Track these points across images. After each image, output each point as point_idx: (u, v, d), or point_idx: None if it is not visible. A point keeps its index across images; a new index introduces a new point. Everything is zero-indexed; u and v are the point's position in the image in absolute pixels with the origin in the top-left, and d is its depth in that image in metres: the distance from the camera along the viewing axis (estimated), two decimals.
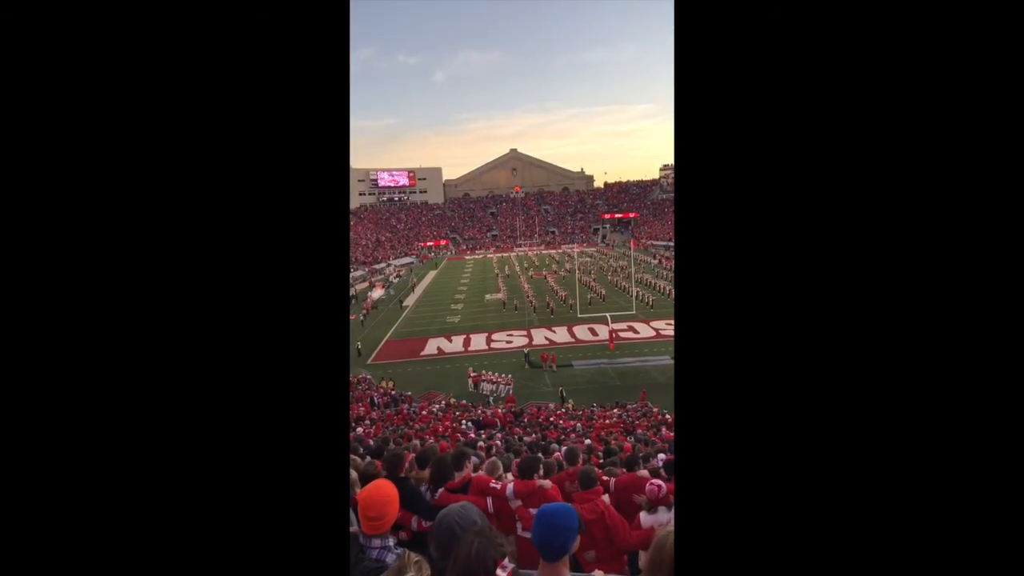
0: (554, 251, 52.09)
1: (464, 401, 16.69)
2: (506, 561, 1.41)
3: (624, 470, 3.76)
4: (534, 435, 10.35)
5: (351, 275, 40.82)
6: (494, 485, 2.85)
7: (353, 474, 2.95)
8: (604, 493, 3.11)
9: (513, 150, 73.94)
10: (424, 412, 14.64)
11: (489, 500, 2.80)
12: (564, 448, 4.96)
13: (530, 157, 73.18)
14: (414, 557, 1.22)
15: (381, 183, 66.83)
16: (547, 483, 2.87)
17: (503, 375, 18.76)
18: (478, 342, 24.18)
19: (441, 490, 2.93)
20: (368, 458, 5.06)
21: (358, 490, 2.92)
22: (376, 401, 16.60)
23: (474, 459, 5.34)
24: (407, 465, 3.13)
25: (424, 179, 69.35)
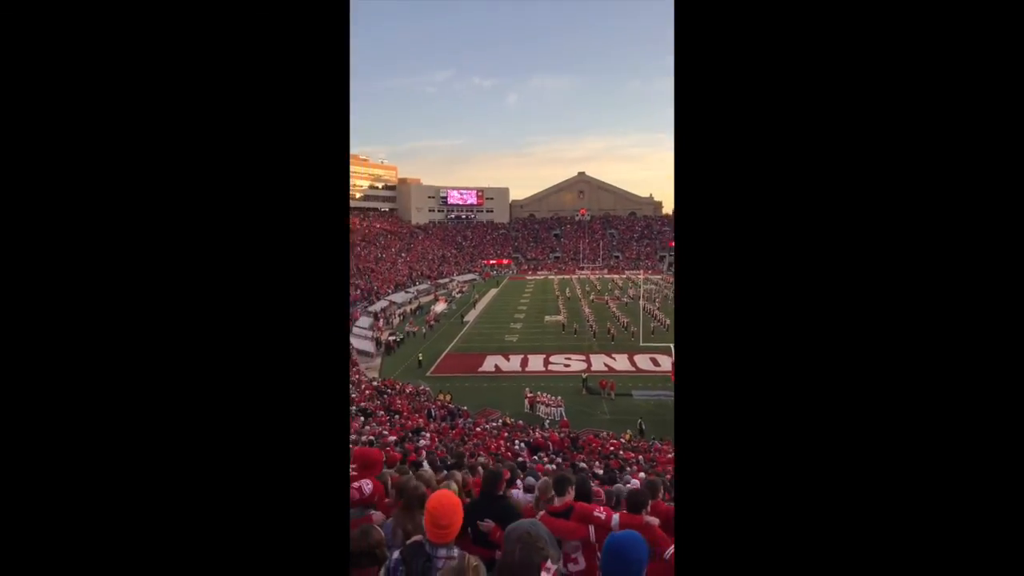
0: (617, 276, 51.31)
1: (520, 421, 16.59)
2: (549, 563, 1.41)
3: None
4: (596, 463, 10.10)
5: (416, 288, 42.09)
6: (598, 515, 2.78)
7: (413, 483, 2.97)
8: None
9: (581, 173, 74.10)
10: (479, 429, 14.68)
11: (592, 529, 2.73)
12: (646, 479, 4.81)
13: (598, 181, 73.01)
14: (473, 561, 1.22)
15: (450, 201, 68.91)
16: (654, 520, 2.77)
17: (554, 397, 18.53)
18: (536, 363, 24.06)
19: (542, 513, 2.91)
20: (444, 471, 5.05)
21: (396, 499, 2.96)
22: (433, 413, 16.85)
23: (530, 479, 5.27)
24: (502, 484, 3.13)
25: (491, 198, 70.81)
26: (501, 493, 3.10)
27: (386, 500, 3.24)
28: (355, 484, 3.20)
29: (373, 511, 2.98)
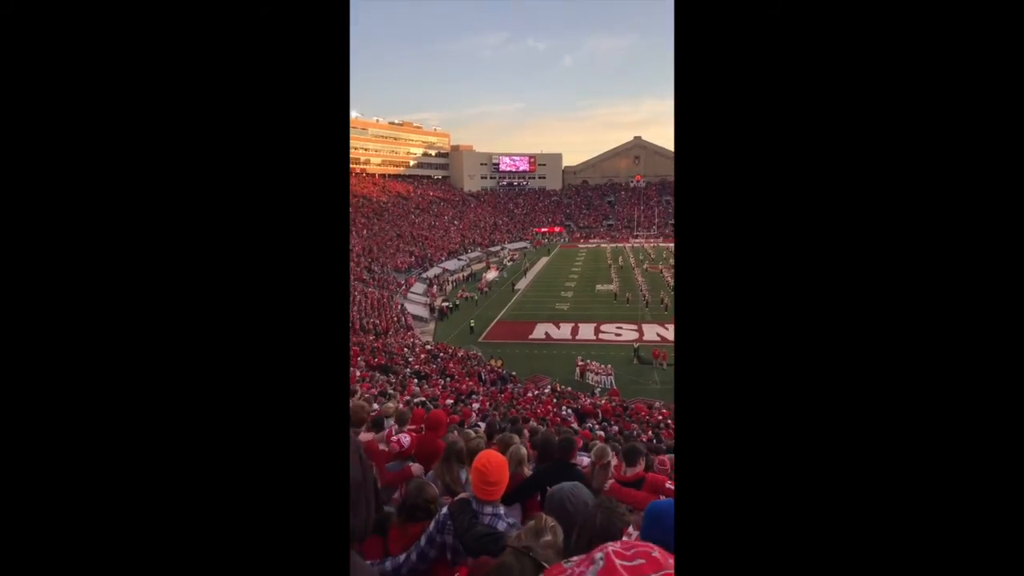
0: (673, 245, 49.76)
1: (569, 388, 16.72)
2: (631, 529, 1.42)
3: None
4: (648, 434, 10.07)
5: (468, 255, 42.57)
6: (670, 486, 2.79)
7: (459, 441, 3.07)
8: None
9: (637, 137, 71.47)
10: (529, 394, 14.92)
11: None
12: None
13: (655, 145, 70.18)
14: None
15: (502, 167, 68.47)
16: None
17: (604, 366, 18.48)
18: (586, 331, 24.00)
19: (611, 482, 2.95)
20: (513, 435, 5.19)
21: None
22: (484, 377, 17.25)
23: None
24: (576, 452, 3.20)
25: (544, 165, 69.75)
26: (572, 462, 3.14)
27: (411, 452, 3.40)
28: (394, 437, 3.41)
29: (412, 463, 3.15)
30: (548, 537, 1.15)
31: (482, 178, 67.19)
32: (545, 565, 0.97)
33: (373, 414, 3.99)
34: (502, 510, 2.16)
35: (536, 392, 15.36)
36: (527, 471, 3.34)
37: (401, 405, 5.98)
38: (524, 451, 3.44)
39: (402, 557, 2.05)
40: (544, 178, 69.44)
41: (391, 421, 3.85)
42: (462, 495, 2.28)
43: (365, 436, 3.53)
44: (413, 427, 3.98)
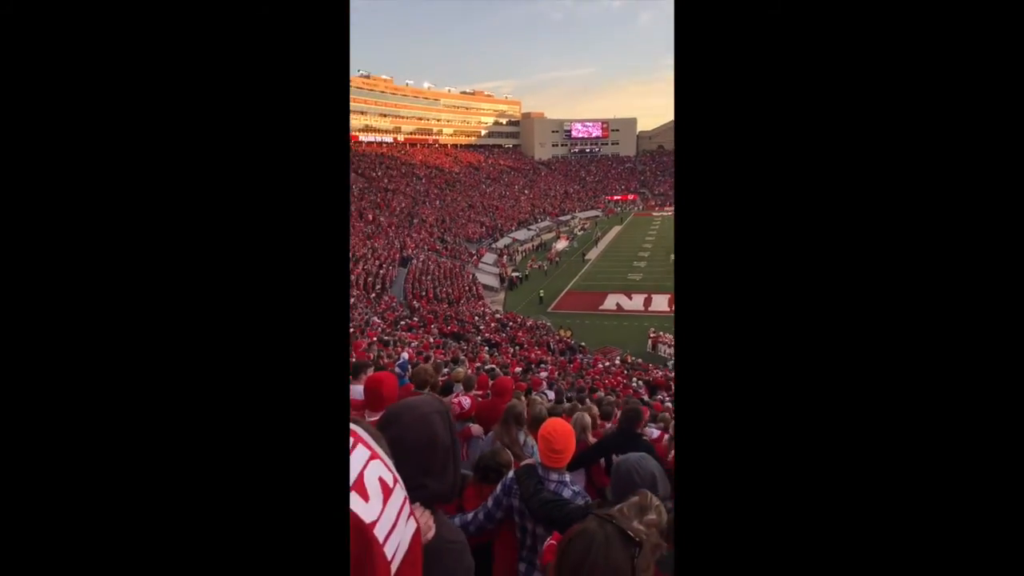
0: None
1: (640, 360, 16.45)
2: None
3: None
4: None
5: (538, 225, 42.41)
6: None
7: (520, 407, 3.13)
8: None
9: None
10: (598, 365, 14.84)
11: None
12: None
13: None
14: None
15: (574, 134, 66.90)
16: None
17: None
18: (659, 303, 23.32)
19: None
20: (568, 403, 5.26)
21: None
22: (553, 347, 17.34)
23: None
24: (645, 421, 3.23)
25: (617, 130, 67.36)
26: (638, 431, 3.13)
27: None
28: (455, 399, 3.56)
29: (471, 424, 3.28)
30: (652, 516, 1.09)
31: (553, 146, 66.08)
32: (632, 536, 0.93)
33: (443, 379, 4.14)
34: (567, 477, 2.17)
35: (606, 364, 15.24)
36: (591, 439, 3.34)
37: (471, 372, 6.16)
38: (588, 419, 3.47)
39: (470, 515, 2.12)
40: (617, 144, 67.15)
41: (460, 386, 3.99)
42: (528, 461, 2.31)
43: None
44: (479, 392, 4.10)
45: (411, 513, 0.78)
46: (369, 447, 0.77)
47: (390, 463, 0.78)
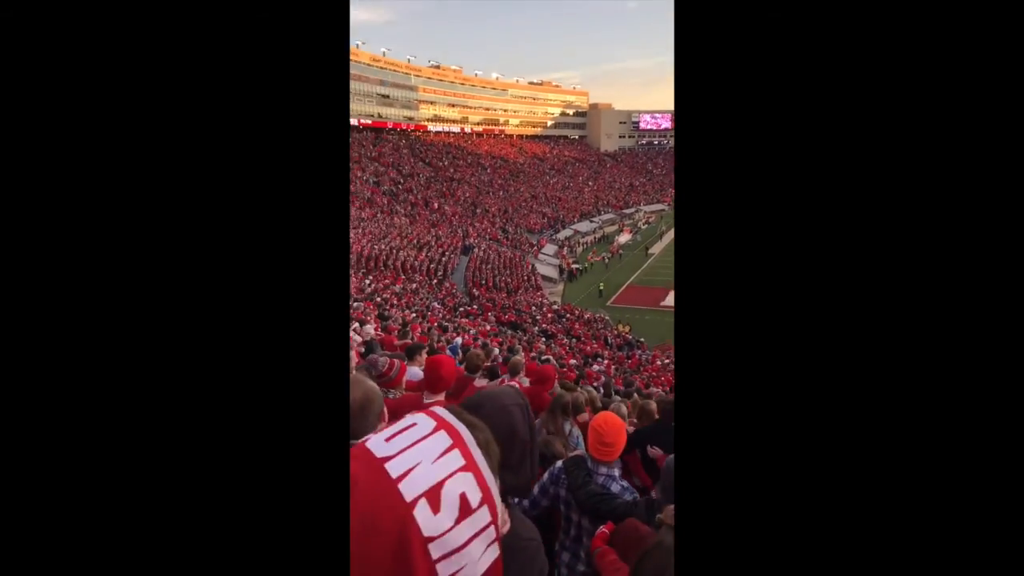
0: None
1: None
2: None
3: None
4: None
5: (601, 217, 41.74)
6: None
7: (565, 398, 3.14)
8: None
9: None
10: (657, 362, 14.48)
11: None
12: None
13: None
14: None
15: (642, 126, 65.03)
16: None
17: None
18: None
19: None
20: (615, 399, 5.23)
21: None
22: (610, 341, 17.09)
23: None
24: None
25: None
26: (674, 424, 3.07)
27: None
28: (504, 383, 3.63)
29: None
30: None
31: (620, 137, 64.60)
32: None
33: (493, 364, 4.22)
34: (616, 472, 2.13)
35: (665, 361, 14.83)
36: (628, 430, 3.32)
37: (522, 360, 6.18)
38: (625, 409, 3.46)
39: (515, 500, 2.13)
40: None
41: (510, 374, 4.04)
42: (577, 452, 2.29)
43: (479, 383, 3.72)
44: (528, 379, 4.14)
45: (495, 539, 0.68)
46: (467, 454, 0.68)
47: (489, 478, 0.69)
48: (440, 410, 0.74)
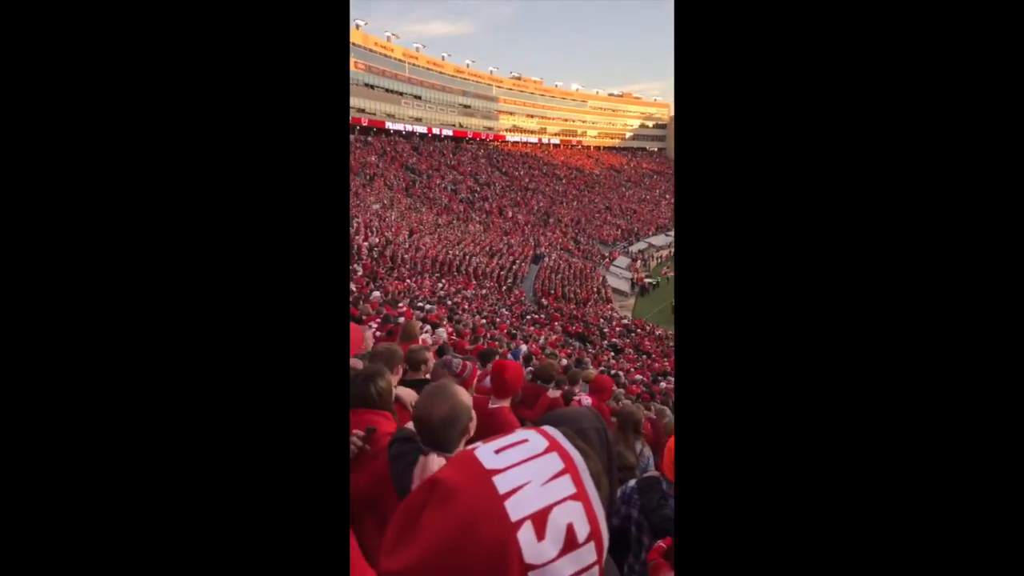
0: None
1: None
2: None
3: None
4: None
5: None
6: None
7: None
8: None
9: None
10: None
11: None
12: None
13: None
14: None
15: None
16: None
17: None
18: None
19: None
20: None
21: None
22: None
23: None
24: None
25: None
26: None
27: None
28: (576, 397, 3.58)
29: None
30: None
31: None
32: None
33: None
34: None
35: None
36: None
37: (594, 373, 6.08)
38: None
39: None
40: None
41: (584, 387, 4.01)
42: (652, 473, 2.20)
43: (553, 393, 3.70)
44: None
45: None
46: (578, 482, 0.62)
47: (599, 512, 0.63)
48: (552, 430, 0.69)
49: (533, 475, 0.61)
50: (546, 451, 0.65)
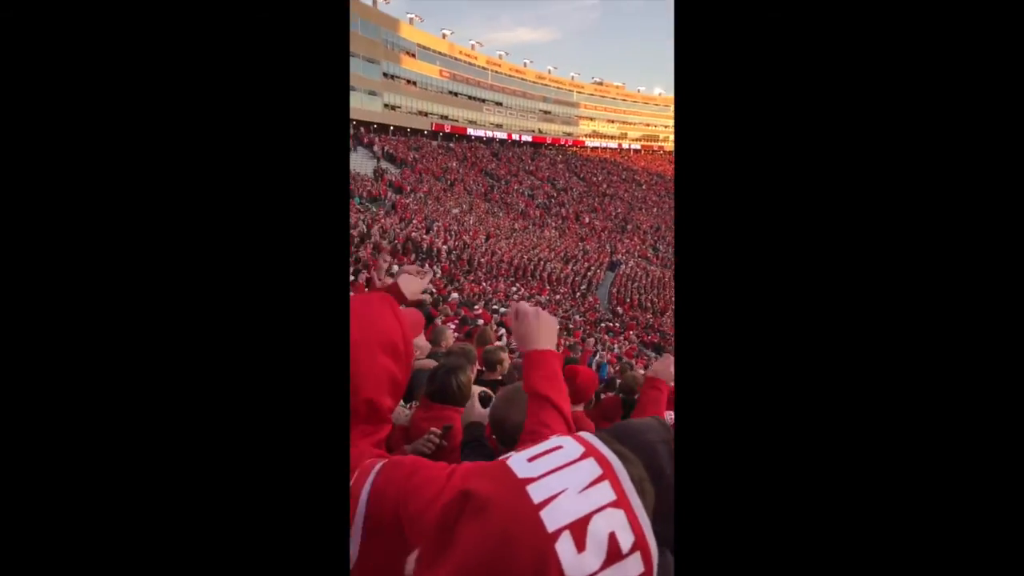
0: None
1: None
2: None
3: None
4: None
5: None
6: None
7: None
8: None
9: None
10: None
11: None
12: None
13: None
14: None
15: None
16: None
17: None
18: None
19: None
20: None
21: None
22: None
23: None
24: None
25: None
26: None
27: None
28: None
29: None
30: None
31: None
32: None
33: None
34: None
35: None
36: None
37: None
38: None
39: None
40: None
41: None
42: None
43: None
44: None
45: None
46: (619, 489, 0.59)
47: (644, 520, 0.59)
48: (588, 435, 0.66)
49: (569, 483, 0.58)
50: (582, 457, 0.61)
